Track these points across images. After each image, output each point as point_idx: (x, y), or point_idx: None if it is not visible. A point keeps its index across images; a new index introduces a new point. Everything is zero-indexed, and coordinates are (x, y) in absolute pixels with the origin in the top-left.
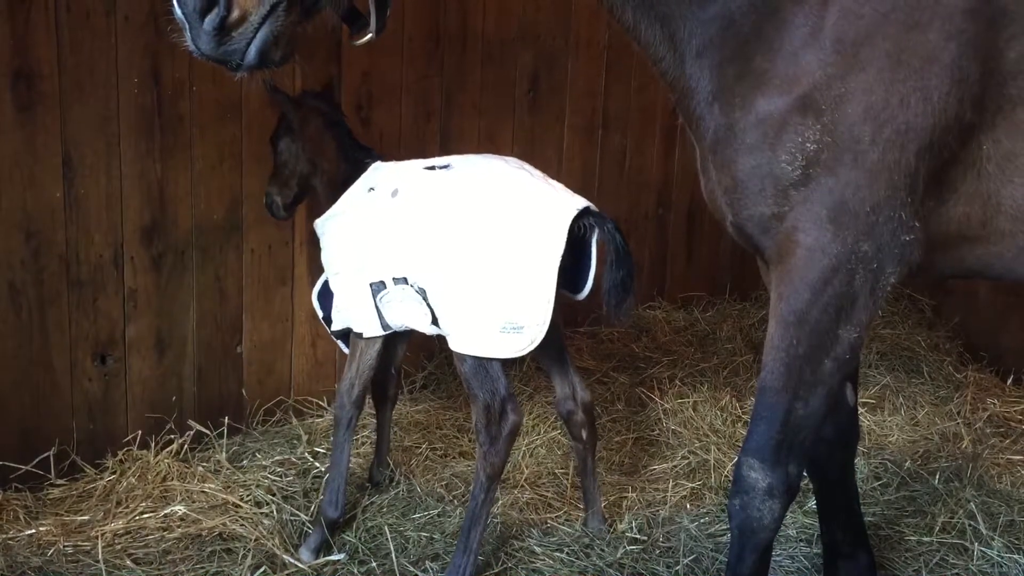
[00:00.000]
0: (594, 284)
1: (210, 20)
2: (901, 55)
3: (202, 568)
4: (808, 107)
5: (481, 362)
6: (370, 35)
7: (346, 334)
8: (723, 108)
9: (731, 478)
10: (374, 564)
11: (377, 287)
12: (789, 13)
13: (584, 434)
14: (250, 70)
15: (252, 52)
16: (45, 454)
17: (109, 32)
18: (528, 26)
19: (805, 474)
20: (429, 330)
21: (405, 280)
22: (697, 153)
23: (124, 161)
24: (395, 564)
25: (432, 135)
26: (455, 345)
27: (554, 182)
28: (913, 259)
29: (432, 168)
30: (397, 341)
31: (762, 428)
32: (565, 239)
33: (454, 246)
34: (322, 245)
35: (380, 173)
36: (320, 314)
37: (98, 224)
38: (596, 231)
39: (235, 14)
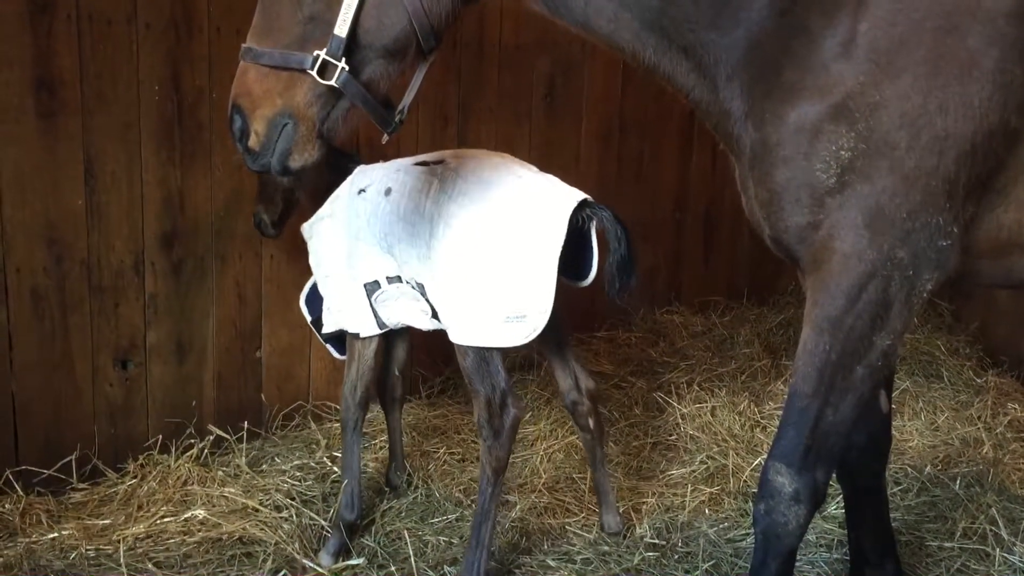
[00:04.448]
0: (598, 273)
1: (240, 145)
2: (938, 61)
3: (222, 572)
4: (841, 115)
5: (482, 356)
6: (384, 136)
7: (336, 337)
8: (756, 125)
9: (750, 483)
10: (393, 568)
11: (372, 287)
12: (818, 27)
13: (591, 423)
14: (284, 175)
15: (275, 164)
16: (67, 459)
17: (130, 40)
18: (545, 32)
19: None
20: (428, 325)
21: (399, 279)
22: (737, 172)
23: (145, 168)
24: (414, 568)
25: (449, 141)
26: (456, 337)
27: (550, 176)
28: (950, 265)
29: (425, 164)
30: (397, 343)
31: (791, 433)
32: (566, 227)
33: (454, 239)
34: (310, 249)
35: (369, 174)
36: (308, 318)
37: (119, 231)
38: (594, 221)
39: (252, 139)
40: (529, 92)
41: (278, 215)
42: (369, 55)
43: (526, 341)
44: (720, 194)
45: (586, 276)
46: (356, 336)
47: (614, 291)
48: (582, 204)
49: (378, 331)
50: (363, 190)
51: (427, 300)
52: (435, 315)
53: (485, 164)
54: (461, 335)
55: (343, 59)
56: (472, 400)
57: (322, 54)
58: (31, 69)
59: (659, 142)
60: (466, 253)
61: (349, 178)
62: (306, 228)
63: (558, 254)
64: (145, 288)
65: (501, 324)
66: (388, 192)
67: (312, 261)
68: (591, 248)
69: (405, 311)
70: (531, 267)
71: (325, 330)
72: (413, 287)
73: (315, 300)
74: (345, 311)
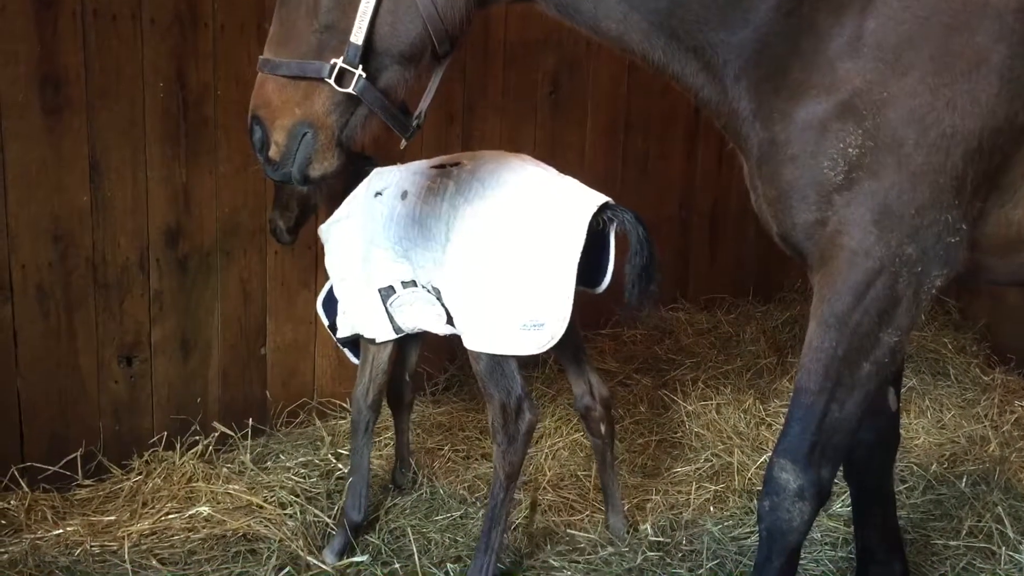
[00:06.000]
0: (614, 278)
1: (261, 155)
2: (946, 58)
3: (227, 568)
4: (848, 113)
5: (496, 360)
6: (403, 141)
7: (351, 341)
8: (764, 123)
9: (755, 481)
10: (397, 565)
11: (386, 292)
12: (825, 25)
13: (603, 429)
14: (304, 184)
15: (295, 174)
16: (73, 455)
17: (135, 36)
18: (550, 30)
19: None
20: (443, 330)
21: (414, 283)
22: (746, 170)
23: (150, 165)
24: (418, 566)
25: (454, 139)
26: (471, 344)
27: (569, 178)
28: (959, 262)
29: (443, 167)
30: (410, 347)
31: (796, 429)
32: (585, 233)
33: (472, 244)
34: (327, 251)
35: (386, 177)
36: (325, 322)
37: (124, 227)
38: (615, 224)
39: (272, 150)
40: (534, 90)
41: (293, 221)
42: (385, 61)
43: (542, 350)
44: (726, 191)
45: (600, 283)
46: (371, 340)
47: (634, 298)
48: (603, 207)
49: (394, 336)
50: (379, 193)
51: (443, 304)
52: (451, 320)
53: (502, 166)
54: (476, 341)
55: (360, 66)
56: (486, 404)
57: (339, 62)
58: (36, 65)
59: (665, 140)
60: (481, 258)
61: (366, 180)
62: (323, 230)
63: (577, 260)
64: (150, 285)
65: (517, 331)
66: (404, 195)
67: (328, 264)
68: (608, 253)
69: (421, 315)
70: (549, 273)
71: (340, 334)
72: (429, 291)
73: (332, 303)
74: (360, 315)
